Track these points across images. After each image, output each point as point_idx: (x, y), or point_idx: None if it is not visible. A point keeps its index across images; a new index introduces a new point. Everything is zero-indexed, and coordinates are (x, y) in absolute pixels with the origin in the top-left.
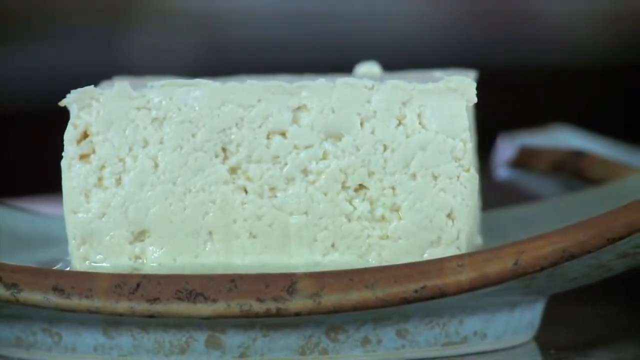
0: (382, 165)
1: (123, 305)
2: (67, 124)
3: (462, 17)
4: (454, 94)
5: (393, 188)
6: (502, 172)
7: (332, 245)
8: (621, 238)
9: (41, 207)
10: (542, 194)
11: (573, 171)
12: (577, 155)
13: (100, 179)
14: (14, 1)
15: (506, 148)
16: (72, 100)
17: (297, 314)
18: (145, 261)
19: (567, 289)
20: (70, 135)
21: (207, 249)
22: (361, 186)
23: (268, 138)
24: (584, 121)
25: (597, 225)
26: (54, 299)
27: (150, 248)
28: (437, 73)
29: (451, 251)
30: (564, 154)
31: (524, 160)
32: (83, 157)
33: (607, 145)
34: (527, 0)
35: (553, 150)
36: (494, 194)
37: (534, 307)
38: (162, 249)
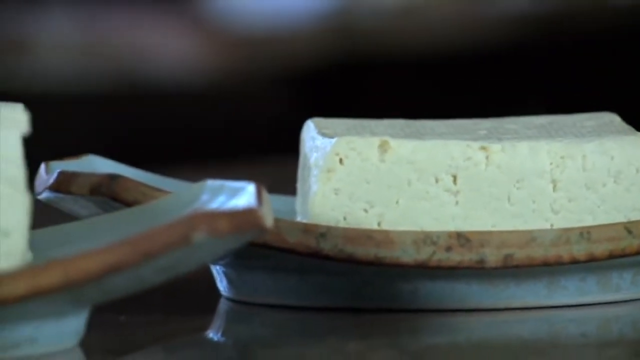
0: None
1: None
2: None
3: None
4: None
5: None
6: (45, 194)
7: None
8: (158, 255)
9: None
10: (82, 214)
11: (109, 194)
12: (112, 178)
13: None
14: None
15: (46, 173)
16: None
17: None
18: None
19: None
20: None
21: None
22: None
23: None
24: None
25: (136, 243)
26: None
27: None
28: None
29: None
30: (100, 177)
31: (63, 183)
32: None
33: (137, 171)
34: None
35: (90, 174)
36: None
37: (80, 315)
38: None
